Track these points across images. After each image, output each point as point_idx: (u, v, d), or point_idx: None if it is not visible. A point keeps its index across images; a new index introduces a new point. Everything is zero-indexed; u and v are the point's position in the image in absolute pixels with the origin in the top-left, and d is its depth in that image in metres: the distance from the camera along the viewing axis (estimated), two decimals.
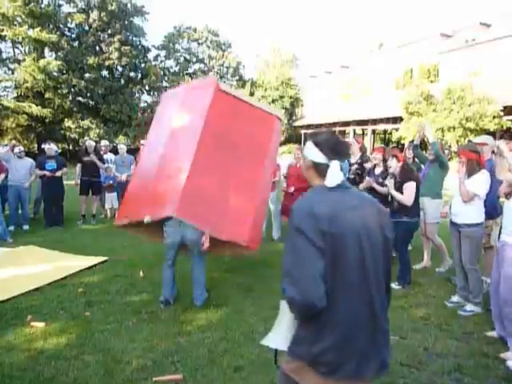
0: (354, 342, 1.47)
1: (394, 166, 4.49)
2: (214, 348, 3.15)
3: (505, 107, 17.72)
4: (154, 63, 33.28)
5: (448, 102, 18.83)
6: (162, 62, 34.67)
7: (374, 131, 29.99)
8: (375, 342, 1.51)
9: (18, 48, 27.98)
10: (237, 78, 35.79)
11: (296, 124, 35.44)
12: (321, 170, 1.60)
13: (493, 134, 18.08)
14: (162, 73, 33.45)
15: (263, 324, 3.54)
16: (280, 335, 1.58)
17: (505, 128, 17.77)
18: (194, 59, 34.79)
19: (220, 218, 3.57)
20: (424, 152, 5.14)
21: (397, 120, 23.14)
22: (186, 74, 34.05)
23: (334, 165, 1.56)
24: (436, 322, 3.62)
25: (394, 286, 4.34)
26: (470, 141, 6.86)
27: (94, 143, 8.20)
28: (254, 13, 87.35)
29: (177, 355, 3.04)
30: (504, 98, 17.48)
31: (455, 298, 4.04)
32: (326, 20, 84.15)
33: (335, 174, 1.55)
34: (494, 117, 17.54)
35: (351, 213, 1.51)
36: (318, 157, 1.60)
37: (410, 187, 4.32)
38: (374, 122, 27.01)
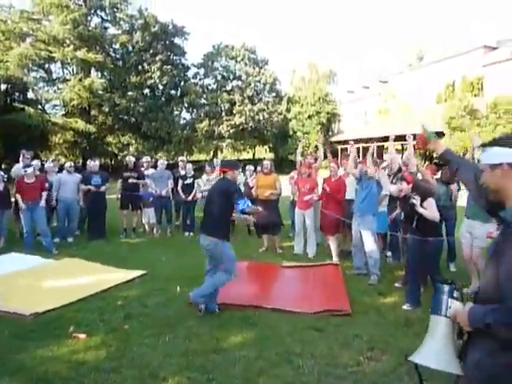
0: None
1: (406, 189, 4.48)
2: (250, 367, 3.12)
3: None
4: (193, 81, 34.28)
5: (493, 116, 18.11)
6: (200, 79, 35.64)
7: (414, 147, 29.22)
8: None
9: (66, 68, 29.74)
10: (273, 94, 36.12)
11: (333, 139, 35.14)
12: None
13: None
14: (200, 90, 34.36)
15: (299, 345, 3.49)
16: (433, 352, 1.54)
17: None
18: (232, 76, 35.50)
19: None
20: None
21: (439, 135, 22.45)
22: (224, 91, 34.78)
23: None
24: None
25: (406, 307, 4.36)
26: None
27: (133, 159, 8.44)
28: (290, 29, 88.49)
29: (213, 373, 3.04)
30: None
31: None
32: (363, 34, 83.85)
33: None
34: None
35: None
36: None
37: (430, 203, 4.29)
38: (415, 137, 26.41)
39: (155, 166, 8.98)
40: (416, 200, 4.35)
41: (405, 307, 4.36)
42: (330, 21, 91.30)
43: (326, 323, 3.94)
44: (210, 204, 4.19)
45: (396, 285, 5.13)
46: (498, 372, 1.38)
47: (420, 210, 4.31)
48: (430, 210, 4.28)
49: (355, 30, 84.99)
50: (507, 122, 17.53)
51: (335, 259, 6.21)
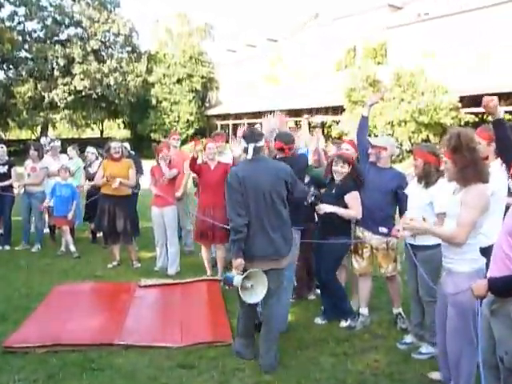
0: (256, 240, 3.75)
1: (343, 171, 4.64)
2: None
3: (462, 97, 19.34)
4: (8, 24, 31.37)
5: (398, 89, 20.07)
6: (20, 23, 32.82)
7: (310, 124, 31.04)
8: (268, 239, 3.75)
9: None
10: (129, 49, 35.05)
11: (210, 113, 35.61)
12: (246, 150, 3.95)
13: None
14: (20, 38, 31.64)
15: None
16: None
17: (463, 123, 19.37)
18: (68, 21, 33.40)
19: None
20: None
21: (338, 110, 24.18)
22: (57, 41, 32.57)
23: (250, 146, 3.86)
24: (387, 370, 3.80)
25: (343, 323, 4.72)
26: (425, 141, 7.31)
27: None
28: None
29: None
30: (461, 87, 19.06)
31: (408, 339, 4.28)
32: None
33: (249, 152, 3.87)
34: (450, 109, 19.05)
35: (254, 174, 3.78)
36: (244, 143, 3.97)
37: (354, 197, 4.57)
38: (310, 112, 27.97)
39: None
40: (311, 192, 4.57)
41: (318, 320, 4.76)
42: None
43: (199, 357, 3.97)
44: None
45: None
46: None
47: (328, 208, 4.59)
48: (352, 204, 4.60)
49: None
50: (412, 97, 19.55)
51: (219, 273, 6.18)
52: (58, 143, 8.94)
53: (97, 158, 8.21)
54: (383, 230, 4.47)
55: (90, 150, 8.35)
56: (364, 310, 4.81)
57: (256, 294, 3.76)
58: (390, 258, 4.57)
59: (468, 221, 3.00)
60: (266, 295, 3.80)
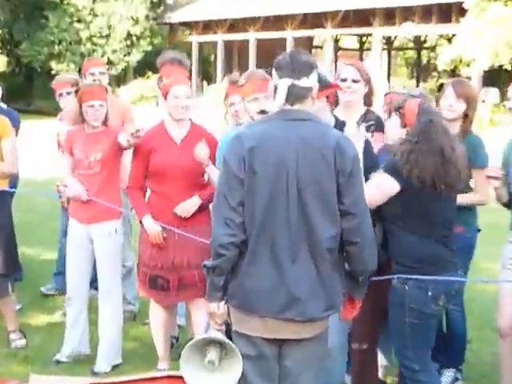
0: (257, 275, 2.94)
1: (395, 133, 4.41)
2: None
3: None
4: None
5: None
6: None
7: (389, 42, 28.35)
8: (280, 278, 2.93)
9: None
10: None
11: (174, 19, 33.06)
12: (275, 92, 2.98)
13: None
14: None
15: None
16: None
17: None
18: None
19: None
20: None
21: (449, 15, 21.68)
22: None
23: (282, 84, 2.90)
24: None
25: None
26: None
27: None
28: None
29: None
30: None
31: None
32: None
33: (278, 97, 2.90)
34: None
35: (276, 145, 2.87)
36: (274, 78, 3.00)
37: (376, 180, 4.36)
38: (388, 17, 25.29)
39: None
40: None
41: None
42: None
43: None
44: None
45: None
46: None
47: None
48: (369, 187, 4.26)
49: None
50: None
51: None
52: None
53: None
54: None
55: None
56: None
57: (217, 379, 3.26)
58: None
59: None
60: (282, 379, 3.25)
